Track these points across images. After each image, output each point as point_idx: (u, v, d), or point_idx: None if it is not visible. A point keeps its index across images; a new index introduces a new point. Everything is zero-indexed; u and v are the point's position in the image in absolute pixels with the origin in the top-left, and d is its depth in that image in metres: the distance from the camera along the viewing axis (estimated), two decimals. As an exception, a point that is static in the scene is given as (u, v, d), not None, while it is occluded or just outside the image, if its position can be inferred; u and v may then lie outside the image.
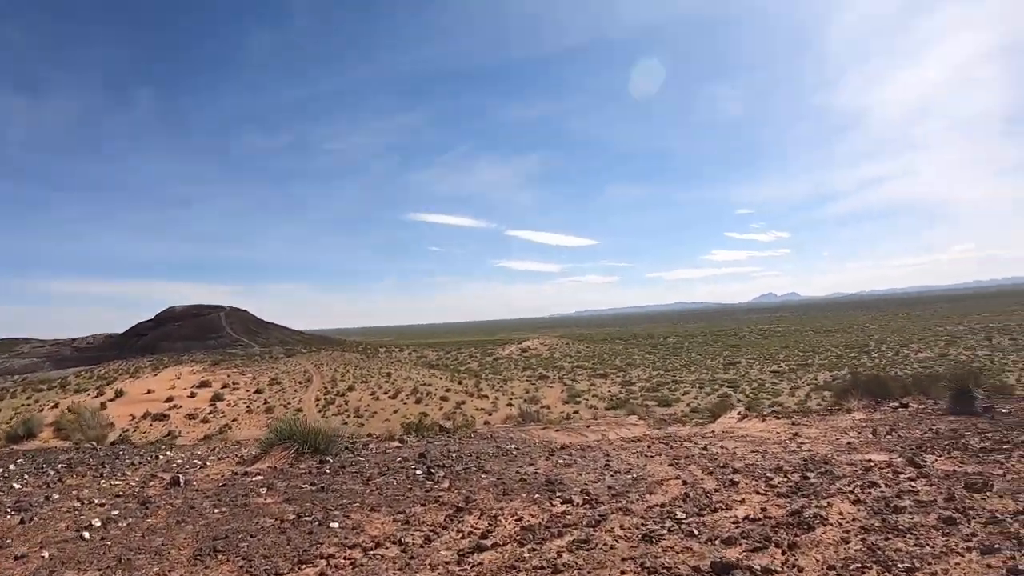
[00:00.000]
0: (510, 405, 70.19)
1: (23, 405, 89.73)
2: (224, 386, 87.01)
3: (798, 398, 67.02)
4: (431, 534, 6.34)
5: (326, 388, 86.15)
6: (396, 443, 12.48)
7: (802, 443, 9.90)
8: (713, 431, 12.33)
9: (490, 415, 64.69)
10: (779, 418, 13.65)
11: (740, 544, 5.38)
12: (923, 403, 13.34)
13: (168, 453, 12.90)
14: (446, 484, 8.44)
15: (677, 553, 5.29)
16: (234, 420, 67.43)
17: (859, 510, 6.06)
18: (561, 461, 9.52)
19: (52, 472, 11.04)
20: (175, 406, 74.00)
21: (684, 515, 6.30)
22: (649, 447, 10.57)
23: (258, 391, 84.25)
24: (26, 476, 10.73)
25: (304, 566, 5.69)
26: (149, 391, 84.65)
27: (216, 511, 7.67)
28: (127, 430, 65.11)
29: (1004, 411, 11.65)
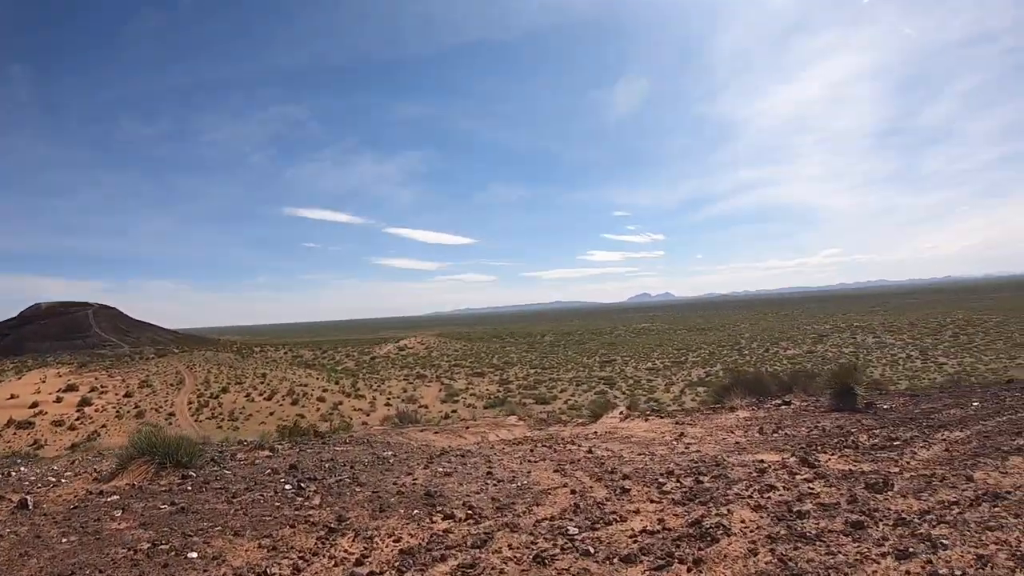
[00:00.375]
0: (388, 405, 69.81)
1: None
2: (92, 390, 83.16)
3: (673, 394, 68.56)
4: (300, 562, 5.60)
5: (199, 390, 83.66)
6: (267, 452, 11.44)
7: (689, 444, 9.57)
8: (596, 432, 11.94)
9: (368, 415, 64.04)
10: (662, 417, 13.43)
11: (641, 562, 4.87)
12: (805, 400, 13.38)
13: (22, 469, 11.55)
14: (317, 500, 7.65)
15: (573, 576, 4.76)
16: (103, 426, 64.75)
17: (762, 517, 5.67)
18: (441, 469, 8.89)
19: None
20: (41, 412, 70.43)
21: (576, 530, 5.74)
22: (532, 451, 10.08)
23: (128, 394, 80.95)
24: None
25: (155, 612, 4.86)
26: (12, 396, 79.62)
27: (64, 540, 6.67)
28: (-15, 440, 61.70)
29: (885, 407, 11.73)
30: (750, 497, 6.26)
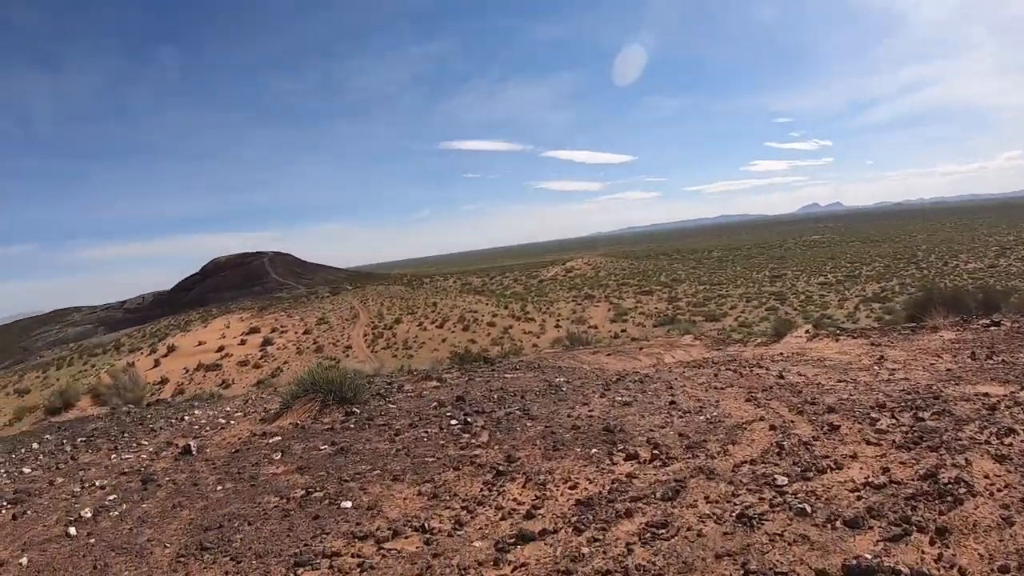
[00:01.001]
0: (557, 327, 70.04)
1: (80, 371, 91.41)
2: (273, 330, 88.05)
3: (847, 310, 65.94)
4: (463, 513, 5.01)
5: (373, 323, 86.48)
6: (434, 382, 11.11)
7: (894, 370, 8.17)
8: (782, 353, 10.66)
9: (538, 338, 64.44)
10: (855, 337, 11.98)
11: (871, 528, 3.82)
12: (1016, 321, 11.32)
13: (196, 412, 12.07)
14: (485, 437, 7.01)
15: (790, 546, 3.74)
16: (285, 363, 68.37)
17: (1008, 471, 4.39)
18: (619, 398, 8.02)
19: (69, 448, 10.22)
20: (227, 355, 75.23)
21: (785, 479, 4.68)
22: (716, 375, 9.04)
23: (306, 332, 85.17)
24: (41, 456, 9.91)
25: (301, 569, 4.48)
26: (200, 343, 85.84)
27: (219, 488, 6.54)
28: (181, 383, 66.01)
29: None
30: (987, 443, 4.93)
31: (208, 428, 9.93)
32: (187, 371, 70.33)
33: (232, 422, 10.07)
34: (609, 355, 13.19)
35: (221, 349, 78.56)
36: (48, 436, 12.21)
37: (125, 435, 10.69)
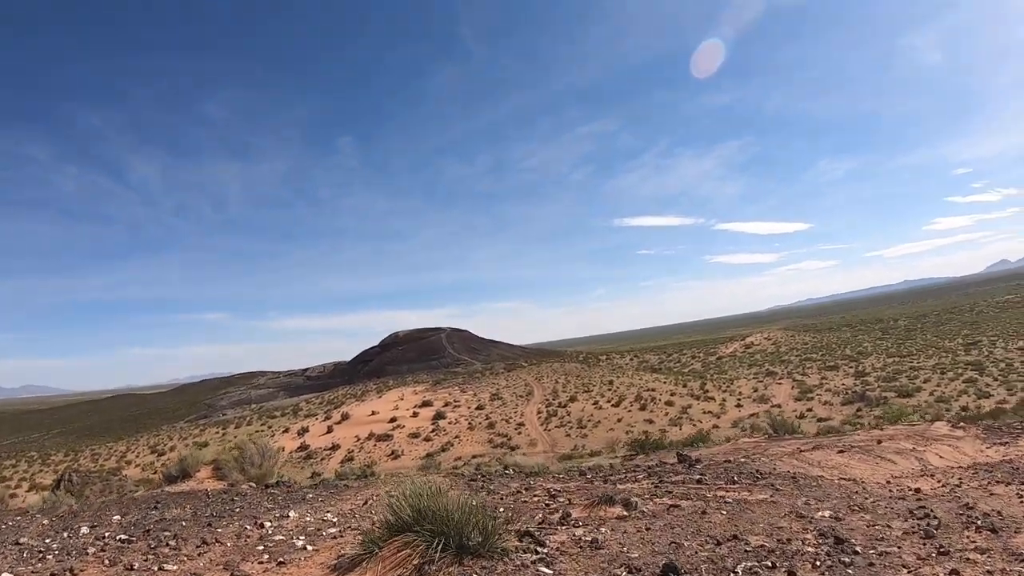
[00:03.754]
0: (739, 406, 67.11)
1: (256, 431, 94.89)
2: (446, 404, 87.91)
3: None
4: None
5: (547, 400, 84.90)
6: (618, 508, 7.66)
7: None
8: None
9: (718, 418, 61.68)
10: None
11: None
12: None
13: (291, 514, 9.91)
14: None
15: None
16: (456, 437, 67.68)
17: None
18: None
19: (117, 540, 8.68)
20: (398, 426, 75.44)
21: None
22: None
23: (479, 407, 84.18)
24: (90, 549, 8.32)
25: None
26: (373, 413, 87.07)
27: None
28: (351, 451, 66.82)
29: None
30: None
31: (275, 552, 7.72)
32: (358, 439, 70.83)
33: (310, 548, 7.74)
34: (841, 452, 10.76)
35: (393, 420, 79.26)
36: (114, 515, 10.78)
37: (179, 538, 8.67)
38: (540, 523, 7.22)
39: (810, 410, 59.31)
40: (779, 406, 63.99)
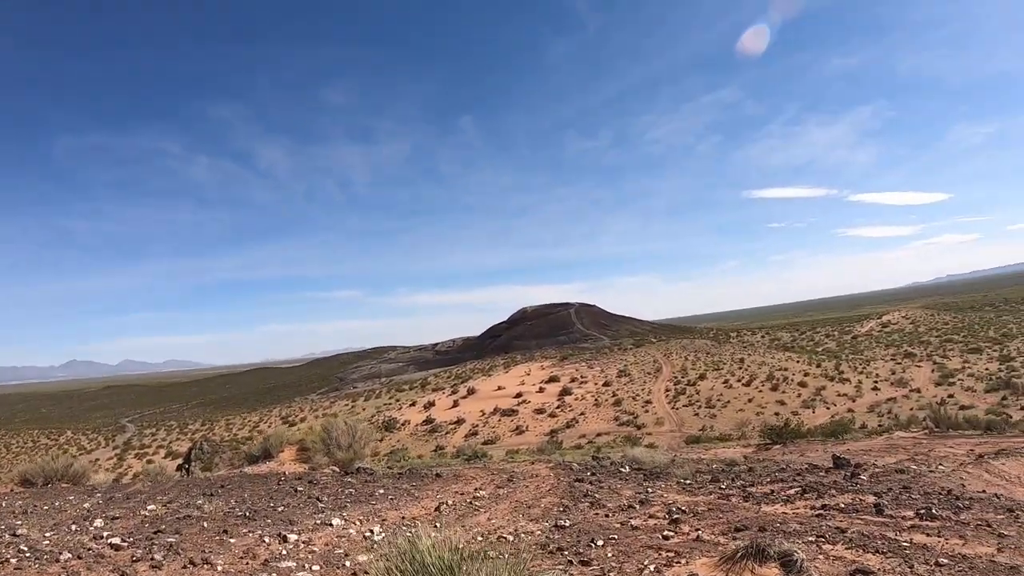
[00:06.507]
0: (875, 389, 64.95)
1: (384, 404, 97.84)
2: (572, 380, 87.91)
3: None
4: None
5: (676, 377, 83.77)
6: (773, 568, 5.41)
7: None
8: None
9: (853, 401, 59.88)
10: None
11: None
12: None
13: (348, 513, 9.22)
14: None
15: None
16: (581, 414, 67.83)
17: None
18: None
19: (107, 544, 7.54)
20: (524, 401, 76.04)
21: None
22: None
23: (606, 383, 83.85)
24: (62, 556, 7.08)
25: None
26: (500, 387, 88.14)
27: None
28: (476, 426, 67.97)
29: None
30: None
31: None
32: (483, 414, 71.64)
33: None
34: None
35: (519, 395, 79.72)
36: (150, 505, 9.98)
37: (175, 551, 7.36)
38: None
39: (951, 396, 56.41)
40: (918, 391, 61.25)
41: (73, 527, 8.49)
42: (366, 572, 6.27)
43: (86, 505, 9.98)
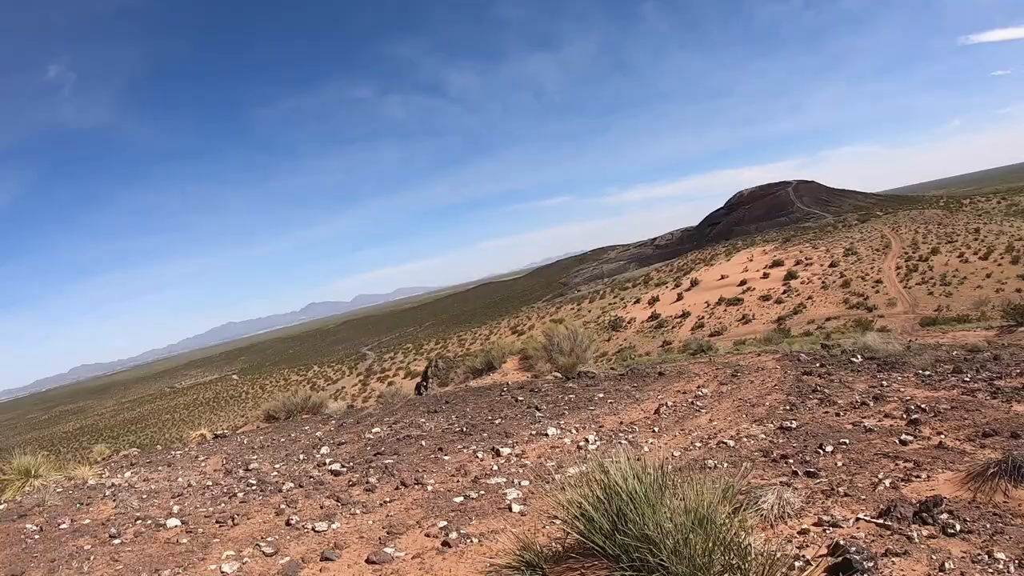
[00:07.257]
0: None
1: (609, 304, 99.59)
2: (797, 263, 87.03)
3: None
4: None
5: (906, 253, 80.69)
6: None
7: None
8: None
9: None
10: None
11: None
12: None
13: (564, 421, 9.29)
14: None
15: None
16: (808, 298, 67.19)
17: None
18: None
19: (329, 472, 8.06)
20: (748, 289, 76.25)
21: None
22: None
23: (832, 264, 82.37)
24: (285, 485, 7.72)
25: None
26: (723, 277, 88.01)
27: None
28: (702, 317, 68.67)
29: None
30: None
31: (457, 519, 5.96)
32: (708, 305, 72.58)
33: (514, 510, 6.08)
34: None
35: (743, 283, 79.72)
36: (375, 427, 10.51)
37: (389, 473, 7.67)
38: (881, 514, 4.47)
39: None
40: None
41: (301, 456, 9.15)
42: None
43: (318, 434, 10.71)
